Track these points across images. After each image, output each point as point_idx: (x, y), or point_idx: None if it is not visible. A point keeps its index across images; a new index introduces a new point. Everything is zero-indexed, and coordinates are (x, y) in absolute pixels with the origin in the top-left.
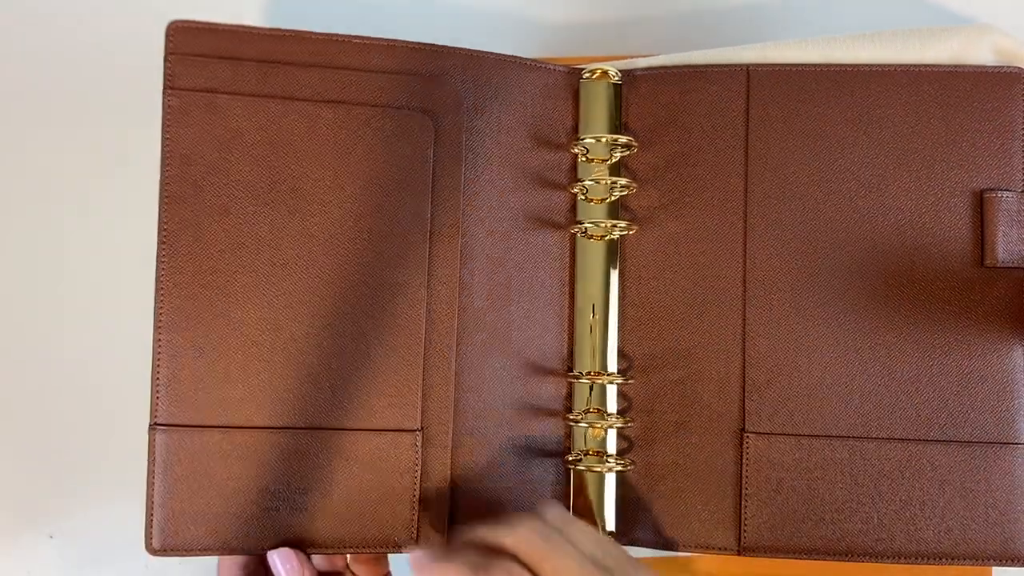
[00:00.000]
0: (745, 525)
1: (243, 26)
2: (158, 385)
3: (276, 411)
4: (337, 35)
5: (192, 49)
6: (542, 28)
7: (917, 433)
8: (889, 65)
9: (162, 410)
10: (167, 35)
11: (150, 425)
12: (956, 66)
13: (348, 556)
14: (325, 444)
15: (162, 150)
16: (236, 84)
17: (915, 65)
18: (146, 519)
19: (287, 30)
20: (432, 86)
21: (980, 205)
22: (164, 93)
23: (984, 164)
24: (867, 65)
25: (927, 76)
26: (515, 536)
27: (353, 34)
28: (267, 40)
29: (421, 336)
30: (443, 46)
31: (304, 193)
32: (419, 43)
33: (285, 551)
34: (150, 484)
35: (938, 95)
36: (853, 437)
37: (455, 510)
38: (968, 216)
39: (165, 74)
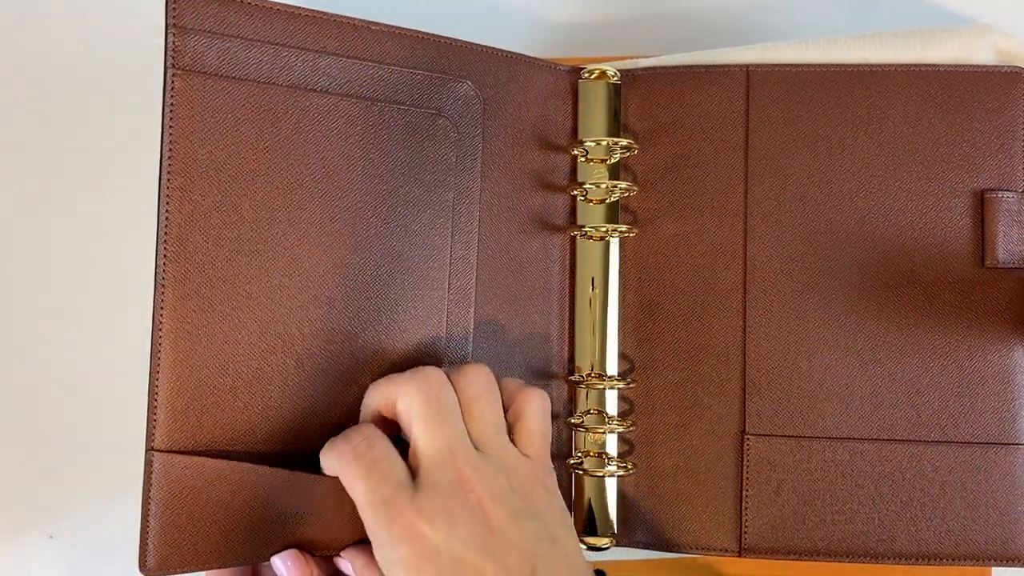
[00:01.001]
0: (746, 527)
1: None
2: (155, 407)
3: (288, 433)
4: (354, 19)
5: (197, 24)
6: (544, 27)
7: (918, 434)
8: (890, 65)
9: (159, 434)
10: (167, 4)
11: (146, 449)
12: (957, 66)
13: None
14: None
15: (162, 141)
16: (250, 69)
17: (916, 65)
18: (140, 541)
19: (302, 8)
20: (452, 84)
21: (981, 205)
22: (166, 73)
23: (985, 164)
24: (868, 65)
25: (928, 76)
26: (403, 393)
27: (371, 20)
28: (282, 18)
29: (440, 350)
30: (459, 40)
31: (324, 196)
32: (437, 36)
33: (289, 553)
34: (145, 507)
35: (939, 95)
36: (854, 438)
37: None
38: (969, 216)
39: (168, 51)
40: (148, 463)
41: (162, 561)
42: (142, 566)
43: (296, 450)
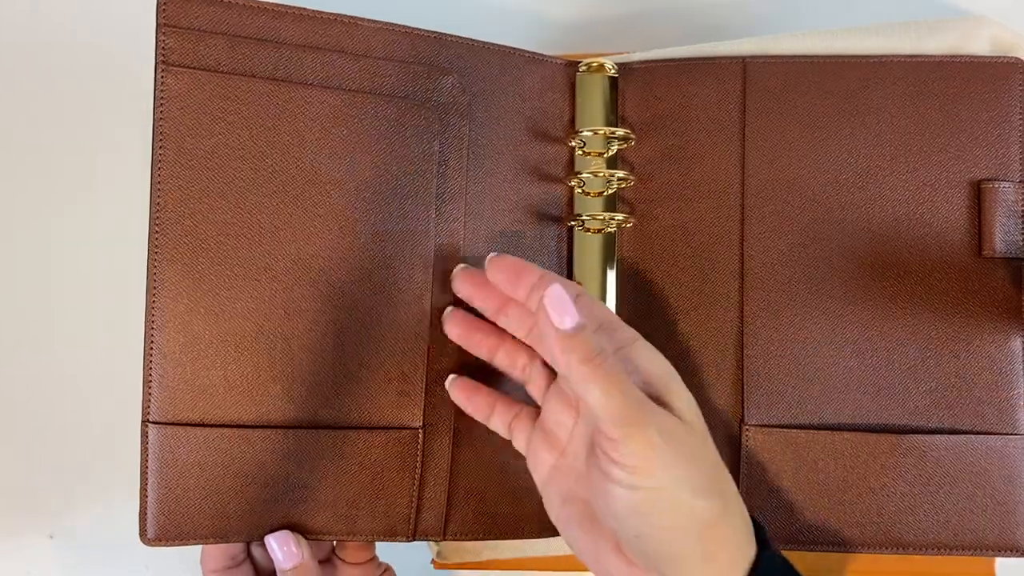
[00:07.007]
0: None
1: None
2: (150, 382)
3: (274, 409)
4: (340, 15)
5: (186, 22)
6: (543, 24)
7: (916, 423)
8: (886, 56)
9: (154, 407)
10: (159, 5)
11: (142, 421)
12: (953, 56)
13: (335, 541)
14: (326, 441)
15: (154, 132)
16: (235, 63)
17: (912, 56)
18: (140, 510)
19: (288, 6)
20: (437, 76)
21: (978, 195)
22: (157, 70)
23: (981, 154)
24: (864, 55)
25: (924, 66)
26: None
27: (356, 15)
28: (267, 16)
29: (425, 335)
30: (448, 35)
31: (307, 182)
32: (425, 30)
33: (282, 534)
34: (143, 478)
35: (935, 85)
36: (852, 428)
37: (452, 505)
38: (966, 206)
39: (158, 49)
40: (144, 435)
41: (161, 531)
42: (142, 535)
43: (283, 424)
